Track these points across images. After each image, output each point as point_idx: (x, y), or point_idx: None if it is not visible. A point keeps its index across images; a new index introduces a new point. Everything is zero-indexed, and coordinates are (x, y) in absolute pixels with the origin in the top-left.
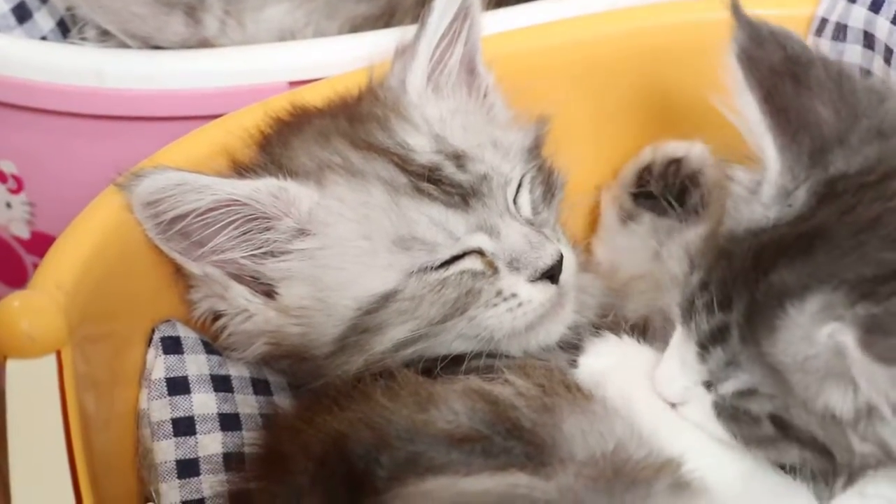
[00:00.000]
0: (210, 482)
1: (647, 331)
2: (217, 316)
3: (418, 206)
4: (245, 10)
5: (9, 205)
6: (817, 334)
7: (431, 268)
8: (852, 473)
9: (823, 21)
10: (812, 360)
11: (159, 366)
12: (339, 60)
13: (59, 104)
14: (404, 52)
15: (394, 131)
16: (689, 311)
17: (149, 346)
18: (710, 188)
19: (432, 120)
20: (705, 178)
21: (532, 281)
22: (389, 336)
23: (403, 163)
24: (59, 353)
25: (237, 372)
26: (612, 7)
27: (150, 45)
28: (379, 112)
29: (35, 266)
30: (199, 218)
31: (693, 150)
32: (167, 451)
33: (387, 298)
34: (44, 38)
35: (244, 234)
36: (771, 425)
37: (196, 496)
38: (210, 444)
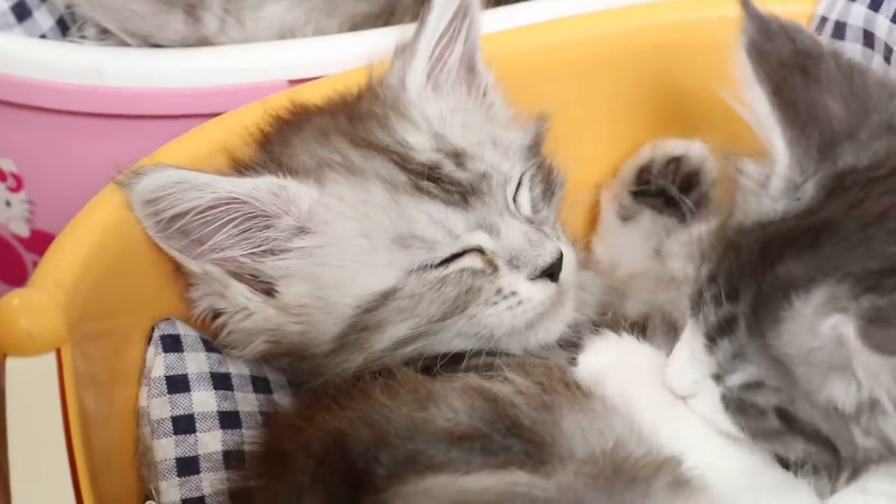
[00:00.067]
0: (210, 480)
1: (646, 329)
2: (217, 314)
3: (418, 204)
4: (244, 8)
5: (8, 203)
6: (821, 326)
7: (431, 266)
8: (856, 468)
9: (823, 19)
10: (816, 352)
11: (159, 364)
12: (338, 59)
13: (58, 102)
14: (404, 51)
15: (393, 129)
16: (698, 304)
17: (148, 343)
18: (711, 185)
19: (432, 118)
20: (705, 175)
21: (532, 279)
22: (389, 334)
23: (403, 161)
24: (58, 352)
25: (237, 370)
26: (610, 6)
27: (150, 43)
28: (378, 110)
29: (34, 264)
30: (199, 216)
31: (692, 149)
32: (167, 448)
33: (386, 297)
34: (43, 37)
35: (244, 232)
36: (776, 418)
37: (196, 494)
38: (210, 441)
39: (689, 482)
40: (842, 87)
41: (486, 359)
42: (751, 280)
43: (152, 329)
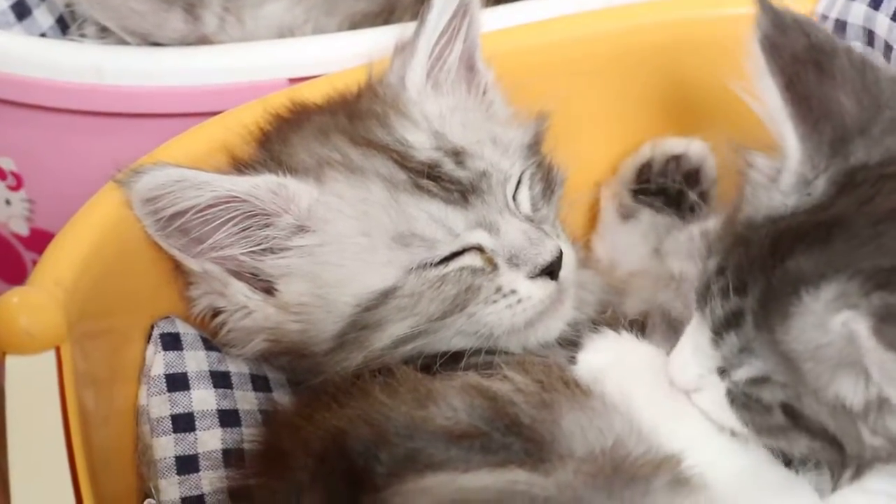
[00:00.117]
0: (209, 478)
1: (645, 327)
2: (216, 312)
3: (417, 202)
4: (244, 6)
5: (8, 202)
6: (831, 322)
7: (431, 264)
8: (861, 466)
9: (823, 18)
10: (825, 348)
11: (158, 362)
12: (338, 57)
13: (58, 101)
14: (404, 49)
15: (393, 128)
16: (704, 297)
17: (148, 342)
18: (712, 184)
19: (432, 116)
20: (705, 174)
21: (531, 277)
22: (389, 333)
23: (403, 159)
24: (58, 350)
25: (236, 368)
26: (610, 4)
27: (149, 41)
28: (378, 109)
29: (34, 263)
30: (199, 214)
31: (692, 147)
32: (166, 447)
33: (386, 295)
34: (43, 35)
35: (243, 230)
36: (782, 414)
37: (195, 492)
38: (209, 440)
39: (689, 480)
40: (854, 83)
41: (485, 357)
42: (760, 274)
43: (152, 327)
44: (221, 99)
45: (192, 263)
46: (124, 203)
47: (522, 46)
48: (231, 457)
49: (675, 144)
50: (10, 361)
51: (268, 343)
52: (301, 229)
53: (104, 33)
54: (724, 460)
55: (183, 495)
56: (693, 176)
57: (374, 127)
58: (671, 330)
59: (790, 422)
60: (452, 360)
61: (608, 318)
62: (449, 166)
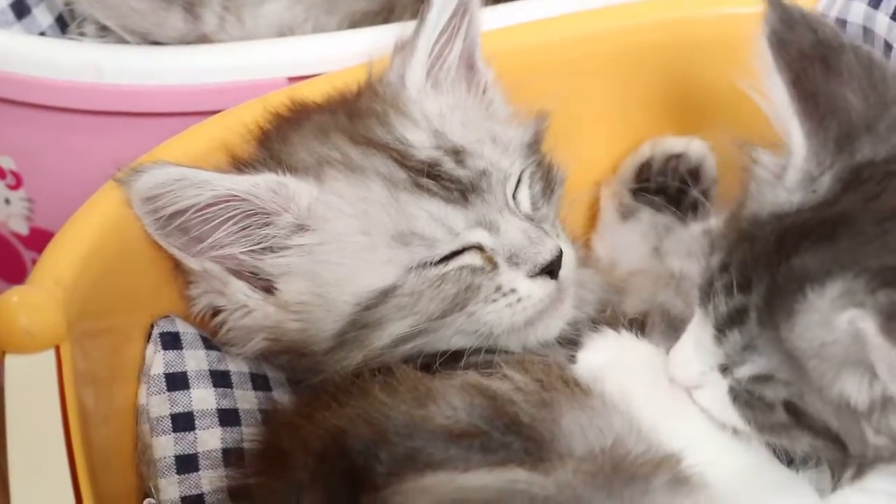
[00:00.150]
0: (209, 478)
1: (645, 326)
2: (216, 311)
3: (417, 201)
4: (244, 5)
5: (7, 201)
6: (836, 320)
7: (431, 263)
8: (863, 465)
9: (823, 17)
10: (829, 346)
11: (158, 361)
12: (338, 56)
13: (57, 100)
14: (403, 48)
15: (393, 127)
16: (707, 293)
17: (148, 341)
18: (712, 183)
19: (431, 115)
20: (705, 173)
21: (531, 276)
22: (388, 332)
23: (402, 158)
24: (57, 349)
25: (236, 367)
26: (610, 3)
27: (149, 40)
28: (378, 108)
29: (34, 262)
30: (199, 213)
31: (692, 146)
32: (166, 446)
33: (386, 294)
34: (42, 34)
35: (243, 229)
36: (785, 412)
37: (195, 492)
38: (209, 439)
39: (689, 480)
40: (861, 80)
41: (485, 356)
42: (765, 271)
43: (151, 326)
44: (221, 98)
45: (191, 262)
46: (124, 202)
47: (522, 45)
48: (231, 456)
49: (674, 143)
50: (10, 360)
51: (267, 342)
52: (301, 228)
53: (104, 32)
54: (724, 459)
55: (183, 494)
56: (693, 175)
57: (374, 126)
58: (671, 329)
59: (793, 420)
60: (452, 358)
61: (608, 317)
62: (449, 165)
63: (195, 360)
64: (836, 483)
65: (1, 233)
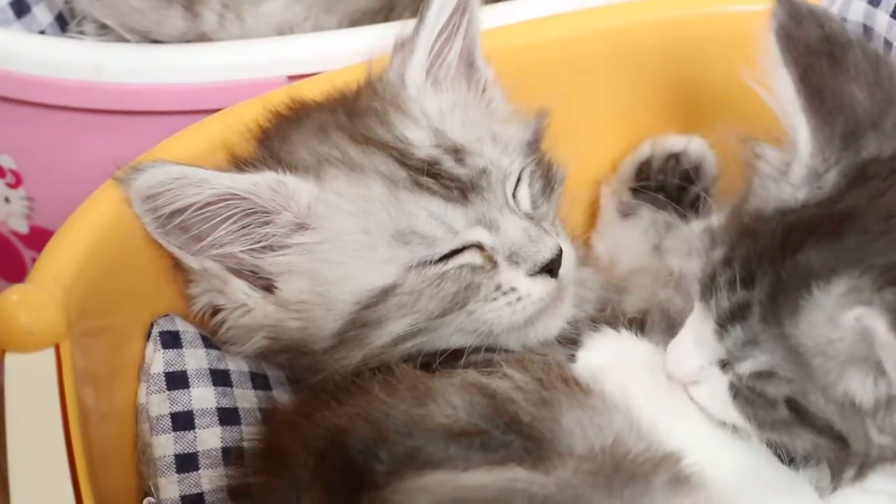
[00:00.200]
0: (209, 477)
1: (645, 325)
2: (216, 310)
3: (417, 200)
4: (243, 4)
5: (7, 199)
6: (843, 318)
7: (430, 262)
8: (864, 465)
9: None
10: (835, 343)
11: (158, 360)
12: (338, 55)
13: (57, 98)
14: (403, 47)
15: (393, 125)
16: (709, 288)
17: (147, 340)
18: (712, 181)
19: (431, 114)
20: (705, 171)
21: (531, 275)
22: (388, 330)
23: (402, 157)
24: (57, 347)
25: (236, 366)
26: (609, 1)
27: (149, 39)
28: (378, 106)
29: (33, 261)
30: (198, 212)
31: (692, 144)
32: (166, 445)
33: (386, 293)
34: (42, 33)
35: (243, 228)
36: (787, 409)
37: (195, 491)
38: (209, 438)
39: (689, 479)
40: (867, 77)
41: (485, 355)
42: (769, 267)
43: (151, 325)
44: (221, 96)
45: (191, 261)
46: (124, 201)
47: (522, 43)
48: (230, 455)
49: (674, 142)
50: (10, 359)
51: (267, 341)
52: (301, 227)
53: (103, 30)
54: (723, 458)
55: (182, 493)
56: (693, 173)
57: (374, 124)
58: (671, 328)
59: (794, 417)
60: (452, 357)
61: (608, 315)
62: (448, 164)
63: (195, 358)
64: (836, 483)
65: (1, 231)
